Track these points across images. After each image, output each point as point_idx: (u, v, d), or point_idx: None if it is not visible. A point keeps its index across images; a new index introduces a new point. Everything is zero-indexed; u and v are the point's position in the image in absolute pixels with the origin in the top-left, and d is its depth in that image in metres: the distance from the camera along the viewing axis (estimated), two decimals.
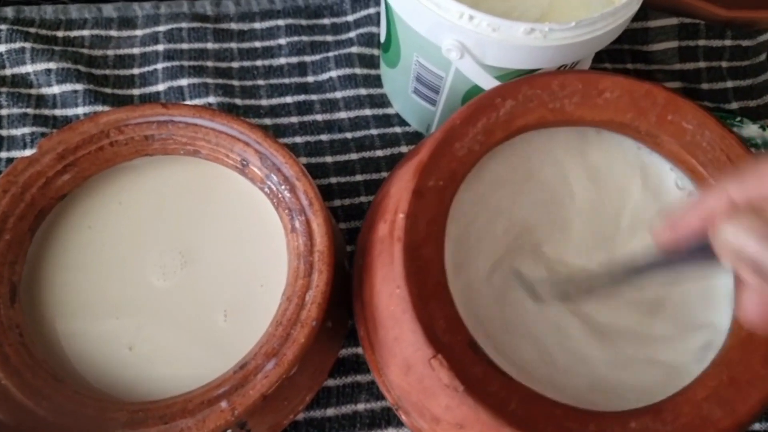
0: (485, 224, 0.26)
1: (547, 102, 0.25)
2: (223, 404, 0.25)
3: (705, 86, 0.46)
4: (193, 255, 0.30)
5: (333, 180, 0.42)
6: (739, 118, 0.43)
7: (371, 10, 0.47)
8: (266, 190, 0.30)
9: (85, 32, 0.45)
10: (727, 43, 0.46)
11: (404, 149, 0.43)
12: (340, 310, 0.32)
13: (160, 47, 0.45)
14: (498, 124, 0.25)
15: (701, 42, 0.46)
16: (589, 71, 0.26)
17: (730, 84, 0.46)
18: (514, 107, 0.25)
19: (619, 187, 0.27)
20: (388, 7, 0.35)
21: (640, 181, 0.27)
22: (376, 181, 0.42)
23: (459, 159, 0.24)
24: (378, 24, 0.46)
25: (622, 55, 0.46)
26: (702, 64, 0.46)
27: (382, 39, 0.40)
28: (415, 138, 0.43)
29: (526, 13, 0.36)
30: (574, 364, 0.24)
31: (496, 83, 0.32)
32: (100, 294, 0.29)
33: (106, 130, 0.30)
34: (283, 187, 0.29)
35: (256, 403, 0.25)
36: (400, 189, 0.27)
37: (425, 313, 0.22)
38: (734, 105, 0.46)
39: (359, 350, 0.37)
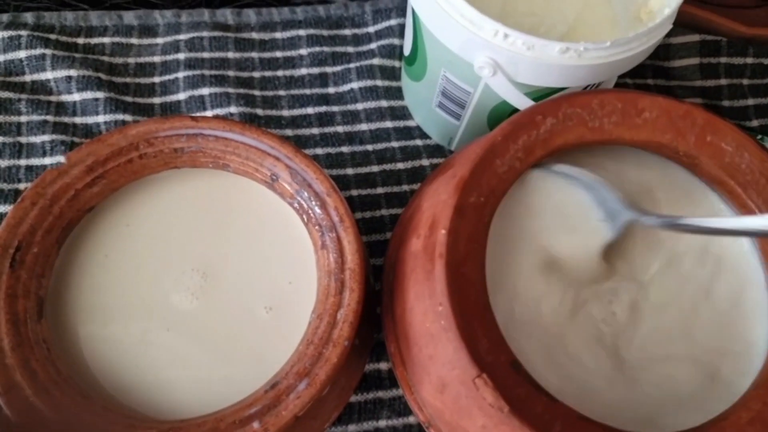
0: (524, 243, 0.26)
1: (586, 121, 0.25)
2: (255, 425, 0.25)
3: (726, 103, 0.46)
4: (219, 270, 0.30)
5: (354, 192, 0.42)
6: (760, 136, 0.43)
7: (392, 22, 0.47)
8: (296, 205, 0.30)
9: (106, 39, 0.45)
10: (749, 60, 0.46)
11: (425, 162, 0.43)
12: (366, 326, 0.32)
13: (181, 56, 0.45)
14: (538, 142, 0.25)
15: (723, 59, 0.46)
16: (629, 90, 0.26)
17: (751, 101, 0.46)
18: (554, 125, 0.25)
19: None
20: (416, 22, 0.35)
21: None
22: (397, 194, 0.42)
23: (499, 176, 0.24)
24: (399, 36, 0.46)
25: (644, 70, 0.46)
26: (723, 81, 0.46)
27: (407, 52, 0.40)
28: (436, 151, 0.43)
29: (552, 29, 0.36)
30: (618, 385, 0.24)
31: (526, 100, 0.32)
32: (128, 311, 0.28)
33: (135, 142, 0.29)
34: (313, 202, 0.29)
35: (289, 423, 0.25)
36: (435, 204, 0.27)
37: (468, 331, 0.22)
38: (755, 122, 0.46)
39: (382, 366, 0.37)
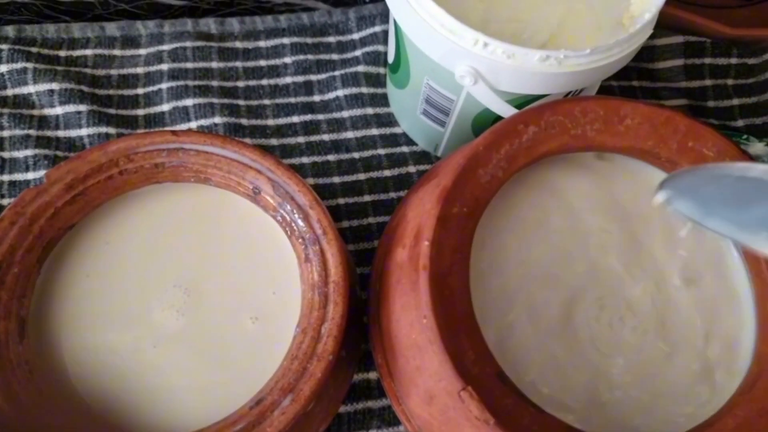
0: (509, 254, 0.26)
1: (569, 128, 0.25)
2: None
3: (711, 104, 0.46)
4: (202, 285, 0.30)
5: (341, 201, 0.42)
6: (745, 136, 0.43)
7: (377, 28, 0.47)
8: (279, 218, 0.30)
9: (88, 51, 0.44)
10: (733, 61, 0.46)
11: (412, 169, 0.43)
12: (352, 336, 0.32)
13: (165, 66, 0.44)
14: (521, 151, 0.25)
15: (707, 60, 0.46)
16: (611, 97, 0.26)
17: (736, 102, 0.46)
18: (536, 133, 0.25)
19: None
20: (398, 32, 0.35)
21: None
22: (384, 201, 0.42)
23: (482, 186, 0.24)
24: (384, 42, 0.46)
25: (629, 72, 0.46)
26: (708, 82, 0.46)
27: (390, 60, 0.40)
28: (423, 158, 0.43)
29: (535, 35, 0.36)
30: (606, 393, 0.24)
31: (508, 107, 0.32)
32: (113, 330, 0.28)
33: (115, 158, 0.29)
34: (296, 215, 0.29)
35: None
36: (419, 214, 0.27)
37: (453, 344, 0.22)
38: (740, 122, 0.46)
39: (371, 375, 0.37)
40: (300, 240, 0.29)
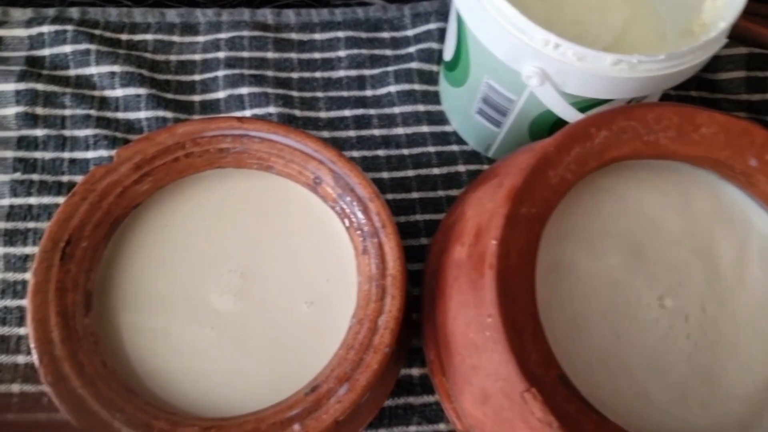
0: (572, 257, 0.26)
1: (642, 134, 0.25)
2: (296, 427, 0.25)
3: None
4: (258, 270, 0.30)
5: (389, 196, 0.42)
6: None
7: (432, 26, 0.47)
8: (338, 209, 0.30)
9: (149, 36, 0.45)
10: None
11: (461, 168, 0.43)
12: (403, 332, 0.32)
13: (221, 54, 0.45)
14: (592, 154, 0.24)
15: None
16: (686, 105, 0.25)
17: None
18: (608, 138, 0.25)
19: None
20: (461, 27, 0.35)
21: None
22: (432, 199, 0.42)
23: (552, 187, 0.24)
24: (438, 40, 0.46)
25: (688, 82, 0.45)
26: None
27: (448, 57, 0.40)
28: (473, 157, 0.43)
29: (598, 39, 0.36)
30: (676, 402, 0.24)
31: (571, 110, 0.32)
32: (172, 309, 0.29)
33: (182, 141, 0.30)
34: (355, 207, 0.29)
35: (329, 428, 0.25)
36: (481, 213, 0.27)
37: (518, 344, 0.22)
38: None
39: (413, 371, 0.37)
40: (358, 232, 0.29)
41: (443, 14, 0.47)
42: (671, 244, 0.26)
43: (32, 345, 0.25)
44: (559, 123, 0.34)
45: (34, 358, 0.25)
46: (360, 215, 0.29)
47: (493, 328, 0.22)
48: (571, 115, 0.32)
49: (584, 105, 0.32)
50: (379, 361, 0.26)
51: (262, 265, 0.30)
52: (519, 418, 0.24)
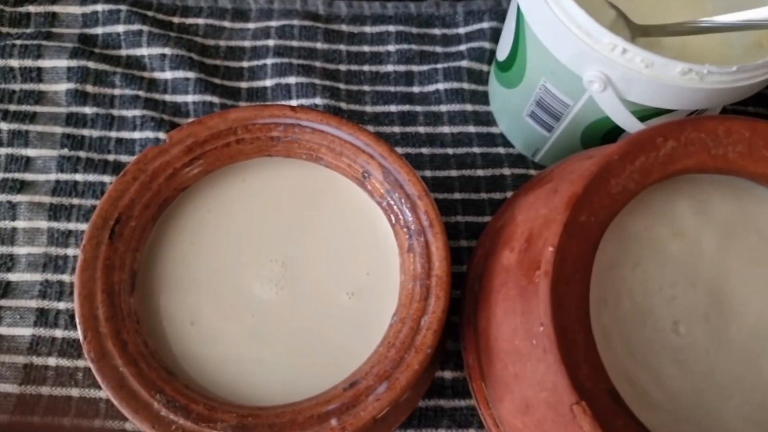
0: (633, 267, 0.25)
1: (710, 147, 0.24)
2: (333, 422, 0.25)
3: None
4: (299, 260, 0.30)
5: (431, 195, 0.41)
6: None
7: (485, 25, 0.46)
8: (385, 205, 0.30)
9: (200, 21, 0.45)
10: None
11: (506, 171, 0.42)
12: (444, 334, 0.31)
13: (271, 42, 0.45)
14: (656, 165, 0.24)
15: None
16: (761, 120, 0.24)
17: None
18: (674, 149, 0.24)
19: None
20: (520, 27, 0.34)
21: None
22: (474, 201, 0.41)
23: (612, 196, 0.23)
24: (490, 39, 0.45)
25: None
26: None
27: (502, 57, 0.39)
28: (519, 161, 0.42)
29: (664, 48, 0.35)
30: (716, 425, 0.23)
31: (631, 119, 0.31)
32: (213, 295, 0.28)
33: (234, 127, 0.30)
34: (403, 204, 0.29)
35: (367, 425, 0.25)
36: (533, 218, 0.26)
37: (569, 355, 0.21)
38: None
39: (446, 374, 0.36)
40: (405, 229, 0.29)
41: (497, 13, 0.46)
42: (728, 260, 0.25)
43: (78, 321, 0.25)
44: (614, 131, 0.33)
45: (79, 333, 0.25)
46: (407, 212, 0.29)
47: (543, 337, 0.22)
48: (630, 124, 0.31)
49: (645, 114, 0.31)
50: (421, 361, 0.26)
51: (303, 256, 0.30)
52: (562, 431, 0.23)
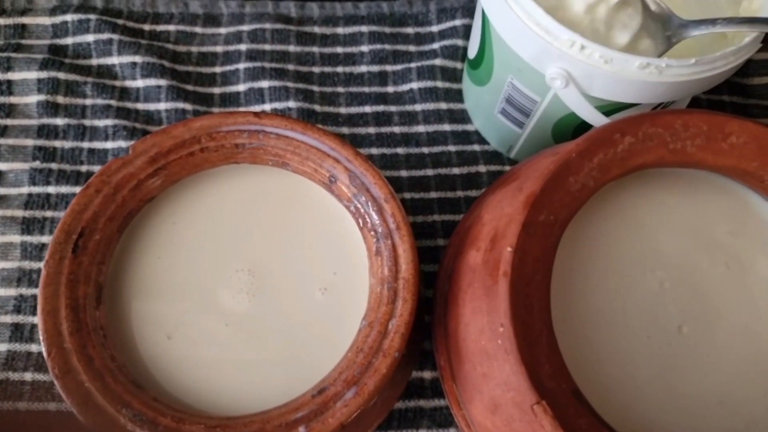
0: (588, 267, 0.25)
1: (668, 142, 0.24)
2: (301, 429, 0.24)
3: None
4: (266, 267, 0.30)
5: (407, 195, 0.41)
6: None
7: (457, 22, 0.46)
8: (352, 209, 0.30)
9: (171, 27, 0.45)
10: None
11: (482, 169, 0.42)
12: (414, 335, 0.31)
13: (243, 47, 0.45)
14: (615, 161, 0.23)
15: None
16: (716, 113, 0.24)
17: None
18: (633, 144, 0.24)
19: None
20: (486, 26, 0.34)
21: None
22: (450, 199, 0.41)
23: (572, 194, 0.23)
24: (463, 37, 0.45)
25: (720, 86, 0.44)
26: None
27: (472, 55, 0.39)
28: (494, 158, 0.42)
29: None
30: (682, 419, 0.23)
31: (596, 114, 0.31)
32: (184, 304, 0.28)
33: (198, 135, 0.29)
34: (370, 207, 0.29)
35: (335, 431, 0.24)
36: (498, 217, 0.26)
37: (530, 355, 0.21)
38: None
39: (425, 374, 0.36)
40: (372, 233, 0.29)
41: (469, 10, 0.46)
42: (694, 257, 0.25)
43: (41, 337, 0.25)
44: (583, 126, 0.33)
45: (43, 349, 0.25)
46: (374, 216, 0.29)
47: (505, 338, 0.22)
48: (596, 119, 0.31)
49: (610, 108, 0.31)
50: (388, 365, 0.26)
51: (271, 263, 0.30)
52: (529, 430, 0.23)
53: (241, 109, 0.43)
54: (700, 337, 0.24)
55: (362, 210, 0.29)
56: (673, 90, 0.28)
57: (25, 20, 0.44)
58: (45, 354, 0.25)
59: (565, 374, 0.22)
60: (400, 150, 0.43)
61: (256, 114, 0.30)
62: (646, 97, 0.29)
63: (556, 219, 0.23)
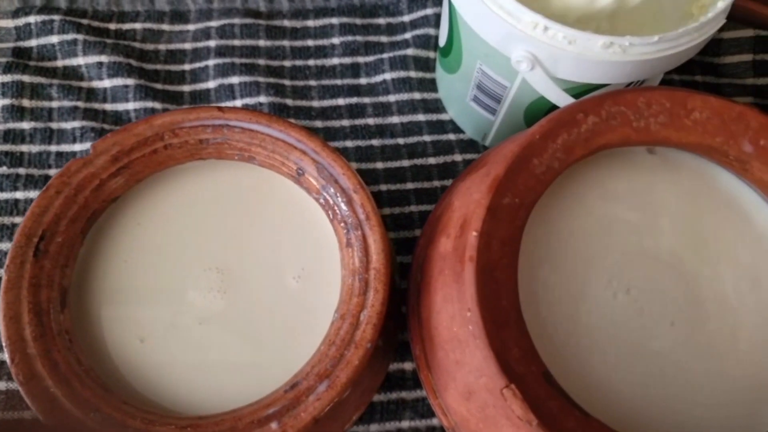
0: (557, 249, 0.25)
1: (631, 120, 0.24)
2: (274, 425, 0.24)
3: None
4: (236, 265, 0.29)
5: (383, 187, 0.41)
6: None
7: (428, 11, 0.45)
8: (321, 201, 0.29)
9: (138, 25, 0.44)
10: None
11: (458, 157, 0.42)
12: (390, 325, 0.31)
13: (212, 43, 0.44)
14: (579, 141, 0.23)
15: None
16: (678, 89, 0.24)
17: None
18: (596, 124, 0.23)
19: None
20: (452, 13, 0.33)
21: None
22: (427, 189, 0.41)
23: (536, 176, 0.23)
24: (435, 25, 0.45)
25: (692, 66, 0.44)
26: None
27: (442, 43, 0.39)
28: (470, 146, 0.42)
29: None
30: (672, 395, 0.23)
31: (565, 96, 0.31)
32: (153, 305, 0.28)
33: (160, 132, 0.29)
34: (339, 199, 0.28)
35: (308, 425, 0.24)
36: (466, 204, 0.26)
37: (498, 339, 0.21)
38: None
39: (406, 366, 0.36)
40: (342, 224, 0.28)
41: None
42: (661, 234, 0.25)
43: (4, 343, 0.24)
44: (554, 110, 0.33)
45: (6, 356, 0.24)
46: (344, 207, 0.28)
47: (472, 323, 0.22)
48: (564, 101, 0.31)
49: (578, 91, 0.31)
50: (360, 357, 0.25)
51: (240, 259, 0.29)
52: (502, 415, 0.23)
53: (212, 104, 0.42)
54: (666, 313, 0.24)
55: (331, 201, 0.29)
56: (639, 69, 0.28)
57: None
58: (8, 360, 0.24)
59: (534, 357, 0.22)
60: (375, 142, 0.42)
61: (219, 108, 0.29)
62: (612, 77, 0.29)
63: (521, 202, 0.23)
